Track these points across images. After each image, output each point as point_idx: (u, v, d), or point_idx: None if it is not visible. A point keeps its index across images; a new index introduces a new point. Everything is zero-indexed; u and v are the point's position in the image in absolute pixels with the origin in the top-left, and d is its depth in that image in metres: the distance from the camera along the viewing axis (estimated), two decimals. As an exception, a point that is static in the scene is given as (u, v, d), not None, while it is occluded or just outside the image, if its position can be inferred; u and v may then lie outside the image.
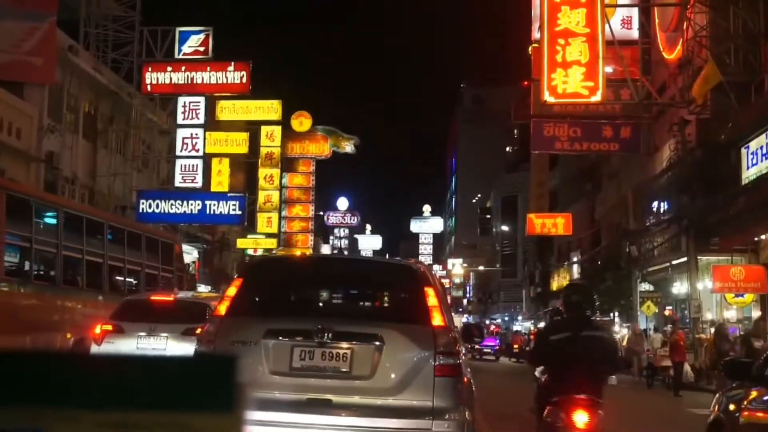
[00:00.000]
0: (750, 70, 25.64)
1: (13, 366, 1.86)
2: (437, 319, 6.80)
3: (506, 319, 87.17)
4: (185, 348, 13.14)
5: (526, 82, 67.85)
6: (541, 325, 66.57)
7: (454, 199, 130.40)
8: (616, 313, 41.66)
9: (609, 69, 29.03)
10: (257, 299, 7.65)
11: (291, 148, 61.45)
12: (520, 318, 79.59)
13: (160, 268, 21.40)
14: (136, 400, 1.89)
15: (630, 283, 36.14)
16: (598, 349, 7.70)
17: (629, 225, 36.45)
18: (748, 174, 23.61)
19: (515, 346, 47.91)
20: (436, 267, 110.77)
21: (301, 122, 62.26)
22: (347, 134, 66.16)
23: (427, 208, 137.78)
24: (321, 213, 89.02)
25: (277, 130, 54.64)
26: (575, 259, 53.85)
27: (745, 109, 24.52)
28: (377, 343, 6.63)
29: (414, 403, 6.51)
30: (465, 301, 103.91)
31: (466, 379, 6.96)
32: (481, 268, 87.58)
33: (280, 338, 6.77)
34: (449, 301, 8.97)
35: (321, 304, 8.39)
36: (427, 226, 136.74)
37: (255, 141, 53.18)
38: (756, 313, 28.03)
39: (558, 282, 60.87)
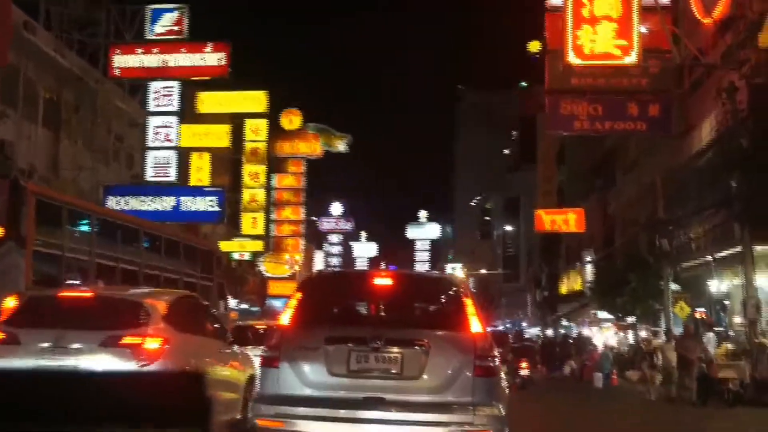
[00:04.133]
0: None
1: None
2: (476, 327, 7.97)
3: (508, 326, 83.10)
4: (106, 363, 9.31)
5: (524, 83, 65.06)
6: (549, 333, 63.08)
7: (453, 203, 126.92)
8: (635, 317, 37.34)
9: (642, 29, 24.81)
10: (316, 310, 8.41)
11: (280, 147, 58.16)
12: (524, 324, 75.41)
13: (200, 277, 20.31)
14: (105, 416, 2.17)
15: (657, 281, 31.93)
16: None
17: (658, 216, 32.14)
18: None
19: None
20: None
21: (291, 120, 59.08)
22: (340, 132, 62.99)
23: (423, 214, 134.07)
24: (314, 218, 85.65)
25: (263, 123, 50.88)
26: (588, 259, 49.65)
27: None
28: (424, 347, 7.71)
29: (457, 399, 7.60)
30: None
31: (501, 378, 8.21)
32: (483, 271, 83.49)
33: (339, 344, 7.77)
34: None
35: (373, 314, 9.03)
36: (424, 232, 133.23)
37: (239, 136, 49.51)
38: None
39: (568, 285, 56.74)
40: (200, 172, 42.57)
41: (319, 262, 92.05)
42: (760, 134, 22.26)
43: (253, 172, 51.81)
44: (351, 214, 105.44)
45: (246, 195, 51.73)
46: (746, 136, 22.52)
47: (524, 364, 27.70)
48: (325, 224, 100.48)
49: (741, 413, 20.06)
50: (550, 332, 61.56)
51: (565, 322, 56.53)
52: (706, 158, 27.57)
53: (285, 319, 8.23)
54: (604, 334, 44.14)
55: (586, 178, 52.45)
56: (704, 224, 28.00)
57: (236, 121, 47.20)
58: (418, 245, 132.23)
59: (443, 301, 8.66)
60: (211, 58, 38.24)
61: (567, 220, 47.85)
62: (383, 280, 8.78)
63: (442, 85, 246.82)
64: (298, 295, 8.48)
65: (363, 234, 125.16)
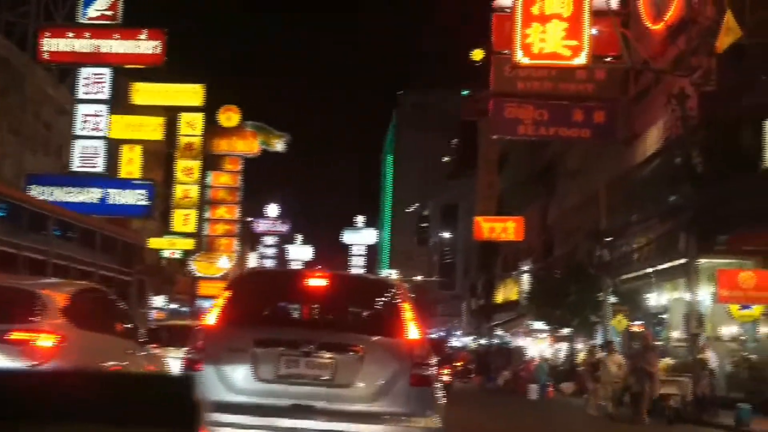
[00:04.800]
0: (764, 30, 20.80)
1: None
2: (414, 333, 7.51)
3: (443, 334, 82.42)
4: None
5: (466, 91, 64.59)
6: (482, 342, 62.39)
7: (389, 209, 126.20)
8: (572, 328, 36.64)
9: (593, 31, 24.06)
10: (246, 310, 7.93)
11: (217, 144, 56.58)
12: (459, 332, 74.70)
13: (118, 271, 19.08)
14: (93, 416, 2.06)
15: (596, 293, 31.33)
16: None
17: (600, 226, 31.49)
18: (777, 153, 18.81)
19: (459, 363, 42.83)
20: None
21: (229, 117, 57.54)
22: (278, 131, 61.74)
23: (360, 219, 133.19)
24: (249, 219, 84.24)
25: (199, 117, 49.40)
26: (525, 268, 49.04)
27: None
28: (358, 353, 7.21)
29: (391, 409, 7.09)
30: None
31: (437, 388, 7.60)
32: (418, 278, 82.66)
33: (268, 347, 7.21)
34: None
35: (306, 316, 8.80)
36: (360, 237, 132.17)
37: (174, 130, 48.08)
38: (765, 330, 23.31)
39: (504, 294, 56.09)
40: (131, 164, 41.10)
41: (252, 264, 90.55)
42: (711, 142, 21.64)
43: (186, 168, 50.28)
44: (287, 216, 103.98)
45: (178, 191, 50.17)
46: (696, 144, 21.87)
47: (446, 371, 28.45)
48: (261, 225, 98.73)
49: (681, 431, 19.36)
50: (483, 341, 60.92)
51: (500, 332, 55.87)
52: (652, 167, 26.95)
53: (211, 318, 7.67)
54: (538, 345, 43.53)
55: (527, 187, 51.83)
56: (647, 235, 27.34)
57: (171, 114, 45.76)
58: (354, 250, 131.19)
59: (380, 305, 8.23)
60: (146, 45, 36.75)
61: (506, 228, 47.30)
62: (318, 281, 8.26)
63: (382, 90, 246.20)
64: (227, 293, 7.92)
65: (299, 237, 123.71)
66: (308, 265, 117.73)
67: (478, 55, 54.20)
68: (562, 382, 32.92)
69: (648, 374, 20.28)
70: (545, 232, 47.04)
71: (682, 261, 22.80)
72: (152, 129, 41.62)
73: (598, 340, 31.10)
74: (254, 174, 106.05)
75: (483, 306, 65.17)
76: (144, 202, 36.65)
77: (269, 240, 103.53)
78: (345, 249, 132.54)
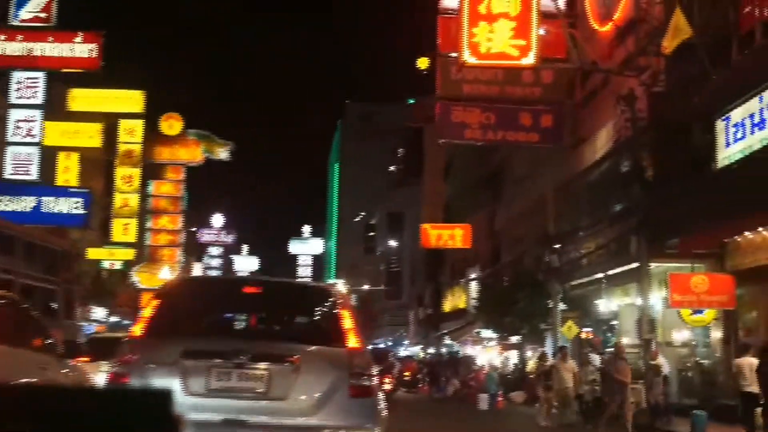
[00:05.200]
0: (714, 28, 20.43)
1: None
2: (353, 341, 7.16)
3: (390, 344, 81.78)
4: None
5: (412, 100, 64.45)
6: (431, 351, 61.76)
7: (336, 218, 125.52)
8: (522, 336, 36.11)
9: (541, 31, 23.55)
10: (175, 320, 7.51)
11: (159, 152, 55.19)
12: (406, 342, 74.07)
13: (41, 279, 17.47)
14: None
15: (545, 300, 30.86)
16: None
17: (549, 231, 31.04)
18: (728, 153, 18.27)
19: (406, 373, 42.13)
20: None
21: (171, 125, 56.17)
22: (222, 139, 60.50)
23: (307, 229, 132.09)
24: (194, 230, 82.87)
25: (139, 124, 48.24)
26: (473, 276, 48.54)
27: (725, 71, 19.26)
28: (294, 364, 6.82)
29: (330, 422, 6.73)
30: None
31: (379, 399, 7.21)
32: (365, 287, 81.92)
33: (197, 359, 6.85)
34: None
35: (239, 325, 8.48)
36: (307, 247, 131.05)
37: (114, 137, 46.88)
38: (716, 335, 22.87)
39: (452, 302, 55.55)
40: (68, 172, 39.90)
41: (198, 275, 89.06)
42: (661, 144, 21.18)
43: (126, 176, 48.97)
44: (233, 226, 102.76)
45: (118, 199, 48.82)
46: (646, 145, 21.40)
47: (387, 380, 29.36)
48: (206, 236, 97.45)
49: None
50: (432, 351, 60.36)
51: (448, 341, 55.33)
52: (601, 170, 26.52)
53: (138, 329, 7.29)
54: (488, 354, 43.01)
55: (474, 193, 51.47)
56: (597, 240, 26.89)
57: (111, 121, 44.57)
58: (301, 260, 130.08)
59: (318, 312, 7.91)
60: (82, 48, 35.49)
61: (453, 236, 46.69)
62: (252, 288, 8.15)
63: (329, 99, 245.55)
64: (156, 302, 7.47)
65: (244, 247, 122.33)
66: (254, 275, 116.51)
67: (423, 63, 53.57)
68: (513, 391, 32.37)
69: (619, 384, 19.42)
70: (493, 238, 46.61)
71: (633, 265, 22.33)
72: (89, 136, 40.37)
73: (548, 347, 30.67)
74: (199, 183, 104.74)
75: (431, 315, 64.60)
76: (80, 211, 35.39)
77: (215, 250, 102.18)
78: (292, 259, 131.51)
